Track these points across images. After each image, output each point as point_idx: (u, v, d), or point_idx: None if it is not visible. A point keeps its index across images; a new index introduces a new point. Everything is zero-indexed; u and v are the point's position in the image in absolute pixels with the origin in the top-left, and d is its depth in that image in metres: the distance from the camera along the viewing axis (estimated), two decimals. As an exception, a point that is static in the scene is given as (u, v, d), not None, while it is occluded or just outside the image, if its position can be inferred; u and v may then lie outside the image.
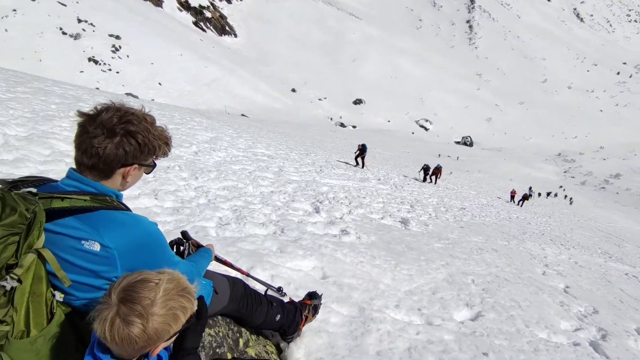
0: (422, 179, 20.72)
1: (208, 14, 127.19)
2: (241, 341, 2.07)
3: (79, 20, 70.86)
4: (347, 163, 17.71)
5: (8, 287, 1.10)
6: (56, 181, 1.38)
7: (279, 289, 2.41)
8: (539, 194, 43.73)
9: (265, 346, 2.28)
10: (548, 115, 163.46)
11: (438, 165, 21.47)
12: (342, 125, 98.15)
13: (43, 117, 8.03)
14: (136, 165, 1.39)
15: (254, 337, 2.26)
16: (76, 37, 66.73)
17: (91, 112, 1.33)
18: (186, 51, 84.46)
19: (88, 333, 1.29)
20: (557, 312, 4.59)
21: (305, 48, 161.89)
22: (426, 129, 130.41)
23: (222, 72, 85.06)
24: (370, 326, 2.91)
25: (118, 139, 1.30)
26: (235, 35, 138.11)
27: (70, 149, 6.03)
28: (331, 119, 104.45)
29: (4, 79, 11.87)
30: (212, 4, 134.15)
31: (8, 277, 1.09)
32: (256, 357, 2.05)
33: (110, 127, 1.28)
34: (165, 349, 1.20)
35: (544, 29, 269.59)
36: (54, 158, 5.46)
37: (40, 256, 1.16)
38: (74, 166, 1.37)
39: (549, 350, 3.41)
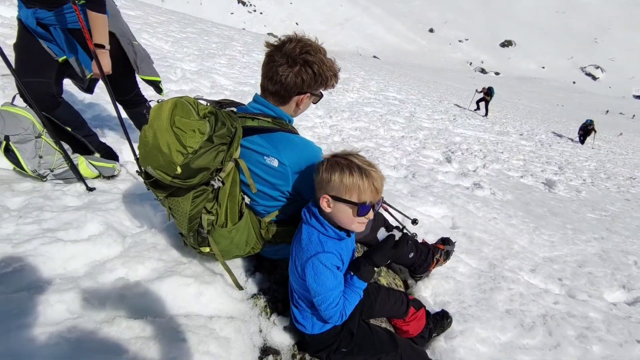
0: (579, 140, 16.92)
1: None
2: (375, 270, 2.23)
3: (232, -38, 75.98)
4: (459, 106, 15.98)
5: (215, 186, 1.38)
6: (244, 105, 1.62)
7: (414, 221, 2.43)
8: None
9: (394, 279, 2.42)
10: None
11: (588, 120, 16.42)
12: (483, 71, 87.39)
13: (207, 54, 9.23)
14: (308, 94, 1.52)
15: (384, 268, 2.40)
16: (229, -21, 72.15)
17: (276, 43, 1.47)
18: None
19: (265, 230, 1.57)
20: None
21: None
22: (594, 78, 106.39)
23: (356, 11, 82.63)
24: (501, 284, 2.78)
25: (298, 68, 1.42)
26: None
27: (227, 83, 6.87)
28: (470, 63, 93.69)
29: (177, 21, 13.83)
30: None
31: (216, 178, 1.37)
32: (397, 289, 2.19)
33: (292, 57, 1.41)
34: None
35: None
36: (216, 90, 6.31)
37: (236, 165, 1.42)
38: (256, 92, 1.58)
39: None
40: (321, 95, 1.60)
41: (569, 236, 4.25)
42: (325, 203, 1.29)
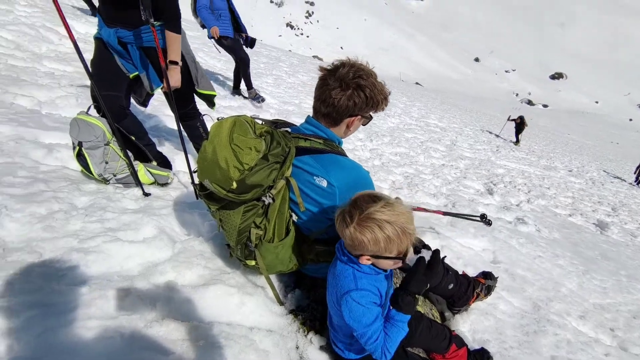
0: (635, 180, 15.87)
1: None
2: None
3: (284, -11, 79.88)
4: (503, 138, 15.37)
5: (266, 202, 1.45)
6: (297, 125, 1.70)
7: (483, 216, 2.26)
8: None
9: (431, 309, 2.36)
10: None
11: None
12: (530, 103, 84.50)
13: (255, 73, 9.65)
14: (359, 117, 1.57)
15: (421, 297, 2.35)
16: (280, 4, 75.83)
17: (330, 67, 1.54)
18: (370, 16, 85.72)
19: (309, 248, 1.61)
20: None
21: (499, 11, 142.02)
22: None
23: (400, 37, 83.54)
24: (546, 327, 2.62)
25: (350, 92, 1.49)
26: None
27: (273, 102, 7.13)
28: (517, 94, 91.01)
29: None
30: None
31: (267, 195, 1.44)
32: (434, 319, 2.14)
33: (346, 81, 1.47)
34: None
35: None
36: (262, 108, 6.56)
37: (287, 183, 1.48)
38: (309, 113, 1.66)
39: None
40: (371, 118, 1.65)
41: (623, 284, 3.94)
42: (365, 260, 1.28)
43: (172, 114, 4.24)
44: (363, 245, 1.22)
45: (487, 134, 15.39)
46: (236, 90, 6.53)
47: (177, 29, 2.24)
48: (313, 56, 52.38)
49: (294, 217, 1.57)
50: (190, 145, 3.11)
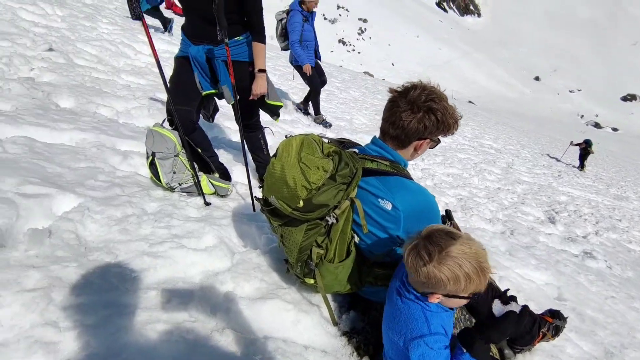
0: None
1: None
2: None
3: (338, 7, 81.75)
4: (566, 162, 14.19)
5: (330, 222, 1.45)
6: (362, 145, 1.70)
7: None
8: None
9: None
10: None
11: None
12: (597, 125, 78.34)
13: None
14: (428, 140, 1.54)
15: (479, 331, 2.21)
16: (333, 21, 77.61)
17: (400, 90, 1.53)
18: (423, 32, 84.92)
19: (368, 271, 1.58)
20: None
21: (563, 28, 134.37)
22: None
23: (455, 55, 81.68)
24: (621, 378, 2.36)
25: (421, 115, 1.46)
26: (479, 15, 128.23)
27: (325, 118, 7.21)
28: (582, 116, 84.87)
29: (284, 57, 15.08)
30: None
31: (331, 215, 1.44)
32: (494, 356, 2.01)
33: (417, 104, 1.45)
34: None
35: None
36: (318, 124, 6.66)
37: (351, 204, 1.47)
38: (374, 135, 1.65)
39: None
40: (439, 142, 1.62)
41: None
42: (435, 299, 1.23)
43: (231, 125, 4.46)
44: (441, 284, 1.16)
45: (547, 157, 14.44)
46: (304, 105, 6.70)
47: (263, 39, 2.47)
48: (364, 72, 52.71)
49: (356, 239, 1.55)
50: (249, 157, 3.23)
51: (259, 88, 2.54)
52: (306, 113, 6.73)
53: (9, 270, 1.41)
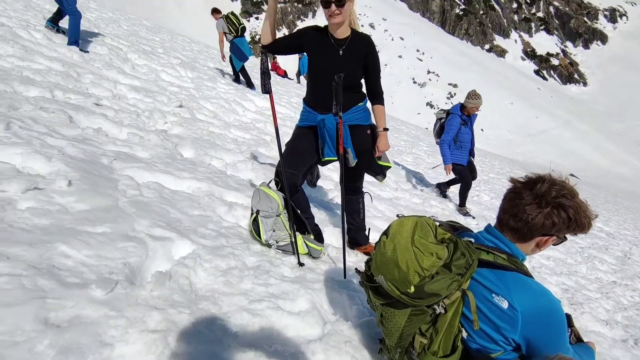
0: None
1: (555, 62, 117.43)
2: None
3: (428, 72, 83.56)
4: None
5: (437, 312, 1.38)
6: (472, 231, 1.63)
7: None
8: None
9: None
10: None
11: None
12: None
13: (396, 151, 9.97)
14: (555, 237, 1.42)
15: None
16: (422, 85, 79.17)
17: (524, 180, 1.46)
18: (517, 100, 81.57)
19: None
20: None
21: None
22: None
23: (554, 124, 76.14)
24: None
25: (549, 210, 1.37)
26: (585, 84, 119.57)
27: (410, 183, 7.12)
28: None
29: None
30: (563, 50, 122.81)
31: (440, 304, 1.37)
32: None
33: (546, 198, 1.37)
34: None
35: None
36: (405, 190, 6.60)
37: (462, 295, 1.39)
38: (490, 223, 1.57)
39: None
40: (565, 239, 1.48)
41: None
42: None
43: (325, 185, 4.65)
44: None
45: (675, 249, 12.11)
46: (444, 188, 6.90)
47: (383, 101, 2.75)
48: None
49: (464, 333, 1.44)
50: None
51: (383, 145, 2.74)
52: (443, 195, 6.89)
53: (137, 308, 1.58)
